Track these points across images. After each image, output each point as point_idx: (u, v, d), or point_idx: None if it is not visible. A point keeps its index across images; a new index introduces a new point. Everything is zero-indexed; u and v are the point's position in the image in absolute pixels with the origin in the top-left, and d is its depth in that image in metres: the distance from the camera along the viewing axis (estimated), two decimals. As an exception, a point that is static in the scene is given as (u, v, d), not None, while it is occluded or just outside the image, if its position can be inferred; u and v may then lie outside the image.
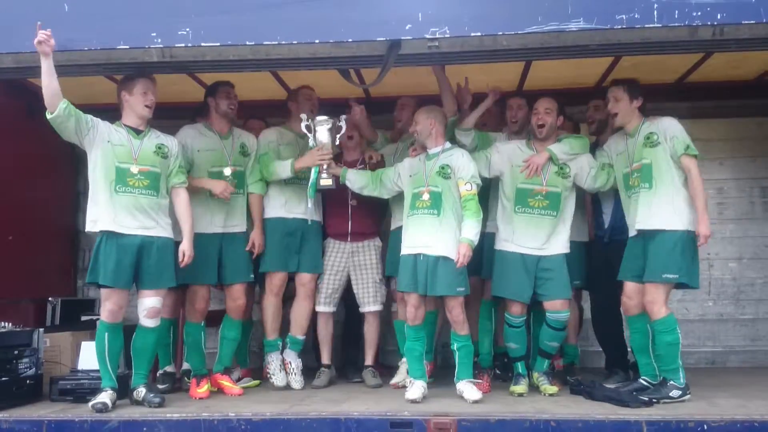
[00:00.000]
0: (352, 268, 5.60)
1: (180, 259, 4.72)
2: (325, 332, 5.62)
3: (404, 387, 4.99)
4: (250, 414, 4.25)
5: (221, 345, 5.35)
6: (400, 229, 5.15)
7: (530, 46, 4.28)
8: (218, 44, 4.27)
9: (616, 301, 5.32)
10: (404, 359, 5.25)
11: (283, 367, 5.40)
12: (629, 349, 5.45)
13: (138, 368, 4.72)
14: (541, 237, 5.02)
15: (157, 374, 5.37)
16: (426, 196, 4.89)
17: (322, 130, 5.16)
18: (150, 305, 4.68)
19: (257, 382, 5.57)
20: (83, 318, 6.17)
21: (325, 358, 5.62)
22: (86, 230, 4.68)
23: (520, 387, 4.97)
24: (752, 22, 4.03)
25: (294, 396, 5.06)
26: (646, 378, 4.82)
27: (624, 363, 5.49)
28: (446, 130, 5.09)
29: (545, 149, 5.05)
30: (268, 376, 5.40)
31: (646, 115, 4.95)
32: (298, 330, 5.49)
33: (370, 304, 5.57)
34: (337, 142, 5.28)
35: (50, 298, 6.30)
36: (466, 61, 4.55)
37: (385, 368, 5.97)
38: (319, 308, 5.56)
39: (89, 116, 4.57)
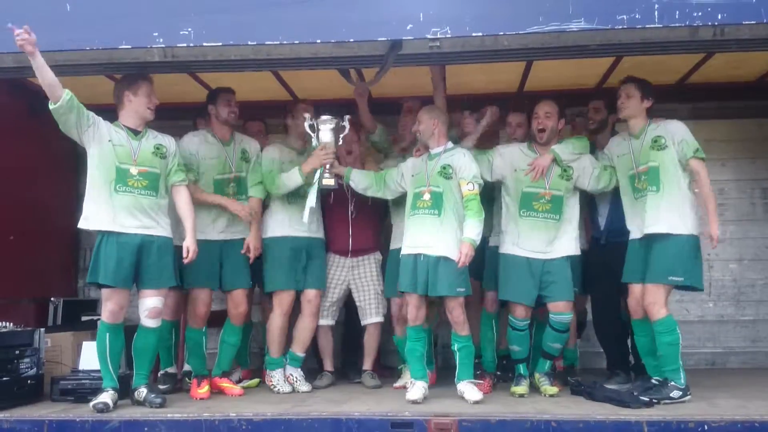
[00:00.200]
0: (352, 281, 5.60)
1: (185, 255, 4.71)
2: (325, 343, 5.65)
3: (405, 388, 4.99)
4: (251, 414, 4.25)
5: (221, 349, 5.35)
6: (398, 250, 5.11)
7: (531, 46, 4.29)
8: (220, 44, 4.27)
9: (616, 302, 5.34)
10: (407, 371, 5.22)
11: (286, 380, 5.39)
12: (630, 350, 5.47)
13: (139, 368, 4.72)
14: (546, 240, 5.02)
15: (159, 375, 5.37)
16: (427, 196, 4.89)
17: (326, 130, 5.15)
18: (151, 305, 4.68)
19: (257, 380, 5.57)
20: (84, 318, 6.16)
21: (328, 366, 5.65)
22: (78, 226, 4.67)
23: (521, 388, 4.97)
24: (753, 22, 4.04)
25: (295, 396, 5.07)
26: (658, 378, 4.80)
27: (625, 364, 5.48)
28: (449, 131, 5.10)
29: (549, 150, 5.05)
30: (272, 387, 5.36)
31: (649, 117, 4.96)
32: (299, 347, 5.48)
33: (372, 316, 5.57)
34: (341, 142, 5.27)
35: (52, 299, 6.31)
36: (467, 61, 4.56)
37: (386, 369, 5.97)
38: (320, 321, 5.55)
39: (91, 113, 4.57)
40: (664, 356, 4.71)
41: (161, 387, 5.18)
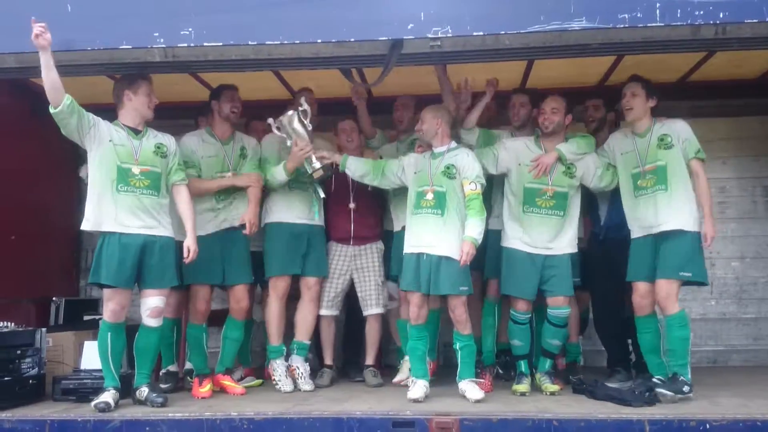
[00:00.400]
0: (354, 271, 5.60)
1: (185, 255, 4.71)
2: (328, 335, 5.64)
3: (406, 385, 4.99)
4: (252, 413, 4.25)
5: (224, 345, 5.35)
6: (403, 230, 5.12)
7: (532, 46, 4.28)
8: (220, 44, 4.26)
9: (617, 299, 5.34)
10: (406, 357, 5.25)
11: (290, 372, 5.38)
12: (631, 348, 5.47)
13: (141, 368, 4.73)
14: (548, 236, 5.04)
15: (160, 374, 5.37)
16: (430, 196, 4.89)
17: (292, 123, 5.11)
18: (153, 305, 4.68)
19: (260, 381, 5.58)
20: (86, 318, 6.18)
21: (328, 360, 5.64)
22: (81, 228, 4.67)
23: (523, 386, 4.98)
24: (755, 20, 4.03)
25: (296, 395, 5.07)
26: (660, 377, 4.82)
27: (626, 362, 5.48)
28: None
29: (554, 149, 5.05)
30: (275, 383, 5.35)
31: (652, 116, 4.97)
32: (303, 335, 5.48)
33: (372, 306, 5.58)
34: (310, 127, 5.18)
35: (54, 298, 6.31)
36: (468, 60, 4.55)
37: (387, 368, 5.97)
38: (323, 312, 5.56)
39: (91, 115, 4.57)
40: (675, 351, 4.74)
41: (163, 386, 5.18)
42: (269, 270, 5.43)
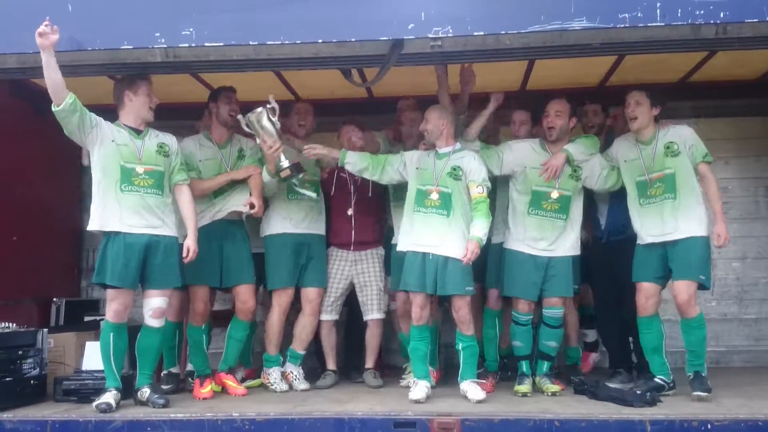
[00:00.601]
0: (355, 276, 5.59)
1: (184, 255, 4.71)
2: (328, 340, 5.64)
3: (408, 387, 4.99)
4: (253, 414, 4.25)
5: (228, 344, 5.35)
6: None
7: (533, 46, 4.28)
8: (221, 44, 4.27)
9: (618, 301, 5.34)
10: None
11: (284, 378, 5.40)
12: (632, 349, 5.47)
13: (142, 368, 4.73)
14: (551, 238, 5.04)
15: (162, 375, 5.37)
16: (435, 196, 4.89)
17: (261, 120, 5.04)
18: (156, 305, 4.68)
19: (260, 380, 5.57)
20: (87, 318, 6.17)
21: (330, 364, 5.64)
22: (87, 229, 4.68)
23: (524, 386, 4.97)
24: (755, 20, 4.03)
25: (297, 396, 5.07)
26: (662, 377, 4.83)
27: (628, 362, 5.48)
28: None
29: (562, 150, 5.04)
30: (270, 384, 5.37)
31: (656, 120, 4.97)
32: (299, 345, 5.50)
33: (373, 312, 5.57)
34: (278, 125, 5.11)
35: (55, 299, 6.31)
36: (468, 60, 4.57)
37: (389, 369, 5.97)
38: (323, 317, 5.56)
39: (93, 115, 4.57)
40: (696, 352, 4.81)
41: (164, 387, 5.18)
42: (272, 283, 5.43)
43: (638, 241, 4.95)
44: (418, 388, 4.72)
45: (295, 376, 5.39)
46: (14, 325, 5.04)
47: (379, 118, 5.96)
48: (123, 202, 4.55)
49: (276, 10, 4.22)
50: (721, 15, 3.99)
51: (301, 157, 5.29)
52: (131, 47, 4.30)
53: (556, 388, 4.97)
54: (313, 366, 5.82)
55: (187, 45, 4.24)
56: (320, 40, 4.23)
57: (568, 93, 5.30)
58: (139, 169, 4.61)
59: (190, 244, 4.72)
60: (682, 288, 4.75)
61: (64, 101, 4.35)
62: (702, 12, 3.99)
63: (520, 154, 5.13)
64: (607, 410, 4.29)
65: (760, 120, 6.83)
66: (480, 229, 4.77)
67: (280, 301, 5.42)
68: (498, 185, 5.29)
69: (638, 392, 4.57)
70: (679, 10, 3.99)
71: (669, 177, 4.84)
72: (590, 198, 5.39)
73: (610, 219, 5.41)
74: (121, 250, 4.51)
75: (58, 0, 4.31)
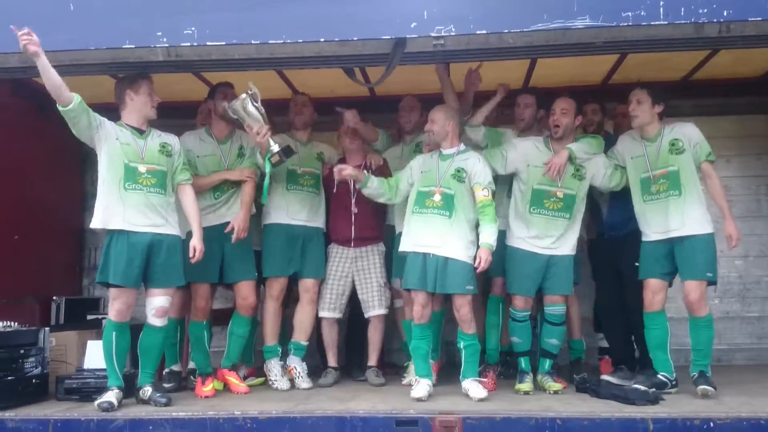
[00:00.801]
0: (356, 272, 5.59)
1: (191, 255, 4.71)
2: (330, 337, 5.64)
3: (410, 385, 4.99)
4: (256, 412, 4.25)
5: (230, 341, 5.36)
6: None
7: (536, 44, 4.27)
8: (223, 43, 4.26)
9: (621, 297, 5.35)
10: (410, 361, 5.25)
11: (287, 372, 5.41)
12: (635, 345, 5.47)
13: (144, 367, 4.73)
14: (553, 237, 5.05)
15: (164, 373, 5.37)
16: (438, 197, 4.89)
17: (246, 107, 5.01)
18: (158, 304, 4.68)
19: (262, 379, 5.57)
20: (89, 317, 6.18)
21: (332, 362, 5.64)
22: (90, 226, 4.68)
23: (525, 385, 4.98)
24: (758, 19, 4.02)
25: (299, 395, 5.07)
26: (665, 374, 4.84)
27: (631, 360, 5.48)
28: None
29: (564, 148, 5.04)
30: (271, 382, 5.38)
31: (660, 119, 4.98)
32: (301, 336, 5.51)
33: (375, 308, 5.57)
34: (263, 110, 5.06)
35: (55, 297, 6.32)
36: (471, 59, 4.55)
37: (391, 367, 5.97)
38: (324, 314, 5.56)
39: (96, 114, 4.58)
40: (703, 351, 4.85)
41: (166, 385, 5.18)
42: (265, 270, 5.46)
43: (643, 238, 4.96)
44: (420, 386, 4.72)
45: (299, 372, 5.38)
46: (16, 323, 5.04)
47: (380, 117, 5.95)
48: (127, 200, 4.55)
49: (278, 9, 4.22)
50: (725, 13, 3.98)
51: (305, 151, 5.35)
52: (133, 46, 4.30)
53: (558, 386, 4.97)
54: (315, 364, 5.81)
55: (189, 44, 4.24)
56: (322, 39, 4.22)
57: (570, 91, 5.30)
58: (142, 169, 4.61)
59: (196, 243, 4.72)
60: (693, 287, 4.78)
61: (72, 101, 4.35)
62: (705, 10, 3.98)
63: (524, 152, 5.13)
64: (609, 408, 4.29)
65: (762, 118, 6.83)
66: (490, 235, 4.78)
67: (272, 290, 5.46)
68: (501, 185, 5.30)
69: (641, 389, 4.57)
70: (682, 9, 3.99)
71: (673, 174, 4.86)
72: (590, 196, 5.39)
73: (609, 216, 5.47)
74: (125, 249, 4.51)
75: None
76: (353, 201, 5.56)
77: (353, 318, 6.06)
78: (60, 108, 4.37)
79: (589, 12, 4.02)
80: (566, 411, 4.22)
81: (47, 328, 5.13)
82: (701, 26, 4.09)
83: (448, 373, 5.47)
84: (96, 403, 4.43)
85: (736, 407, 4.26)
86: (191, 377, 5.34)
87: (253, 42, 4.26)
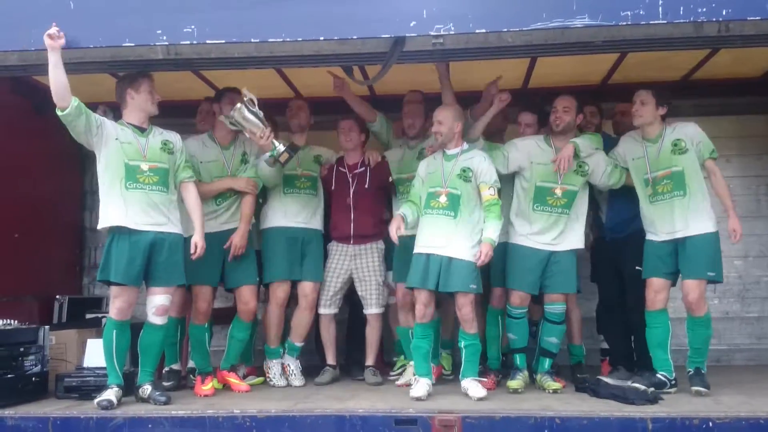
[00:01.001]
0: (354, 270, 5.60)
1: (192, 252, 4.71)
2: (327, 334, 5.65)
3: (409, 385, 4.99)
4: (255, 411, 4.25)
5: (230, 344, 5.37)
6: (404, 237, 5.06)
7: (535, 43, 4.27)
8: (223, 41, 4.26)
9: (621, 298, 5.35)
10: (411, 363, 5.23)
11: (282, 370, 5.45)
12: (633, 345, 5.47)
13: (144, 366, 4.73)
14: (555, 233, 5.07)
15: (163, 371, 5.37)
16: (443, 198, 4.89)
17: (244, 115, 5.01)
18: (159, 303, 4.68)
19: (261, 379, 5.58)
20: (89, 315, 6.18)
21: (330, 359, 5.65)
22: (98, 227, 4.69)
23: (516, 382, 4.98)
24: (758, 18, 4.02)
25: (299, 393, 5.08)
26: (665, 374, 4.85)
27: (629, 361, 5.47)
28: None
29: (569, 141, 5.04)
30: (269, 379, 5.47)
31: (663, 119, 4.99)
32: (297, 338, 5.54)
33: (373, 306, 5.58)
34: (261, 114, 5.05)
35: (57, 296, 6.32)
36: (470, 57, 4.54)
37: (390, 366, 5.97)
38: (322, 310, 5.57)
39: (96, 115, 4.58)
40: (700, 349, 4.89)
41: (165, 384, 5.17)
42: (268, 276, 5.46)
43: (647, 238, 4.97)
44: (420, 385, 4.72)
45: (292, 370, 5.45)
46: (16, 322, 5.04)
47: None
48: (128, 199, 4.55)
49: (277, 8, 4.21)
50: (724, 12, 3.98)
51: (303, 154, 5.37)
52: (133, 45, 4.29)
53: (557, 385, 4.97)
54: (314, 363, 5.81)
55: (188, 42, 4.23)
56: (322, 38, 4.21)
57: (570, 91, 5.30)
58: (144, 167, 4.61)
59: (197, 240, 4.73)
60: (692, 286, 4.79)
61: (69, 105, 4.35)
62: (704, 9, 3.98)
63: (525, 151, 5.15)
64: (608, 408, 4.29)
65: (762, 118, 6.83)
66: (493, 231, 4.79)
67: (276, 295, 5.47)
68: (502, 184, 5.29)
69: (640, 389, 4.57)
70: (682, 8, 3.98)
71: (677, 174, 4.87)
72: (591, 196, 5.40)
73: (610, 217, 5.48)
74: (126, 248, 4.52)
75: (60, -2, 4.31)
76: (352, 198, 5.56)
77: (354, 316, 6.06)
78: (58, 112, 4.37)
79: (588, 11, 4.01)
80: (565, 410, 4.22)
81: (47, 327, 5.14)
82: (700, 25, 4.09)
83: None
84: (95, 401, 4.43)
85: (735, 407, 4.26)
86: (191, 376, 5.34)
87: (252, 40, 4.26)
